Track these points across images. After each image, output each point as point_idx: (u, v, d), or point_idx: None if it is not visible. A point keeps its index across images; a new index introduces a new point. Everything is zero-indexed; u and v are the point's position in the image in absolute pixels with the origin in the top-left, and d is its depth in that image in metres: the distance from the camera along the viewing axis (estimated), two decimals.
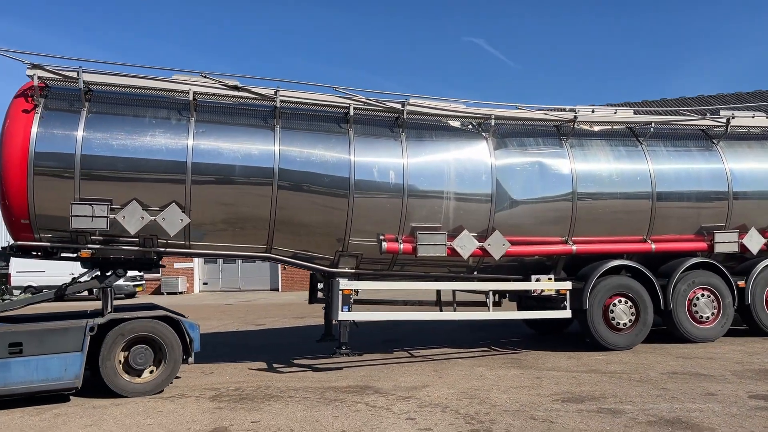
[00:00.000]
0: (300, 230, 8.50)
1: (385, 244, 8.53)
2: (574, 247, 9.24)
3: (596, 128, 9.86)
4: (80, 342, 7.07)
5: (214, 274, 34.09)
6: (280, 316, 16.71)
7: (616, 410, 5.97)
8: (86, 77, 7.69)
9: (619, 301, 9.26)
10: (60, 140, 7.49)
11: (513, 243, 8.95)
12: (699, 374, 7.51)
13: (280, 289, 32.34)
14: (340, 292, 8.28)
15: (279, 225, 8.32)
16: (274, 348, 10.66)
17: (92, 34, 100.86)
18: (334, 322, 8.76)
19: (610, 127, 9.91)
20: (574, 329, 10.65)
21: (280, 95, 8.32)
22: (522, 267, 9.52)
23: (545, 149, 9.36)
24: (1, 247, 8.33)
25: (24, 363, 6.83)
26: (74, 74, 7.64)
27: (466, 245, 8.77)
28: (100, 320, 7.28)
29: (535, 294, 9.34)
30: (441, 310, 9.99)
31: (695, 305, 9.56)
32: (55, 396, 7.18)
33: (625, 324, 9.23)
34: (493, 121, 9.12)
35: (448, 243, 8.67)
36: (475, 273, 9.46)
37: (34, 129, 7.39)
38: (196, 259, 31.91)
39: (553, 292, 9.23)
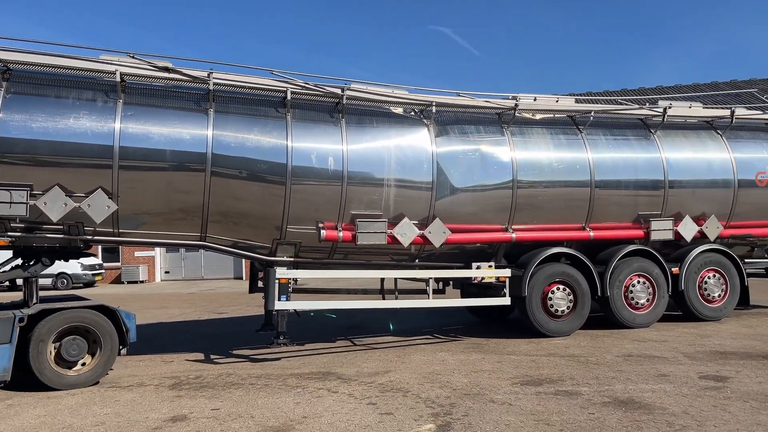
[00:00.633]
0: (235, 218, 8.27)
1: (323, 232, 8.37)
2: (513, 235, 9.27)
3: (538, 116, 9.90)
4: (8, 334, 6.73)
5: (177, 263, 33.26)
6: (244, 305, 16.45)
7: (573, 392, 6.09)
8: (3, 56, 7.27)
9: (558, 289, 9.35)
10: None
11: (453, 231, 8.93)
12: (653, 356, 7.71)
13: (244, 278, 31.68)
14: (277, 281, 8.11)
15: (213, 213, 8.07)
16: (237, 336, 10.47)
17: (36, 10, 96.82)
18: (273, 311, 8.58)
19: (551, 115, 9.96)
20: (517, 315, 10.74)
21: (214, 78, 8.03)
22: (464, 254, 9.50)
23: (486, 137, 9.33)
24: None
25: None
26: None
27: (407, 233, 8.69)
28: (29, 311, 6.96)
29: (476, 281, 9.34)
30: (384, 299, 9.93)
31: (631, 292, 9.73)
32: (6, 385, 6.91)
33: (564, 311, 9.33)
34: (434, 108, 9.04)
35: (389, 231, 8.58)
36: (417, 261, 9.41)
37: None
38: (157, 248, 31.20)
39: (493, 280, 9.26)
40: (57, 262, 8.16)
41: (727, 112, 10.72)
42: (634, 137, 10.18)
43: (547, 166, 9.47)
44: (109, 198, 7.45)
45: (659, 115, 10.29)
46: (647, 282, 9.84)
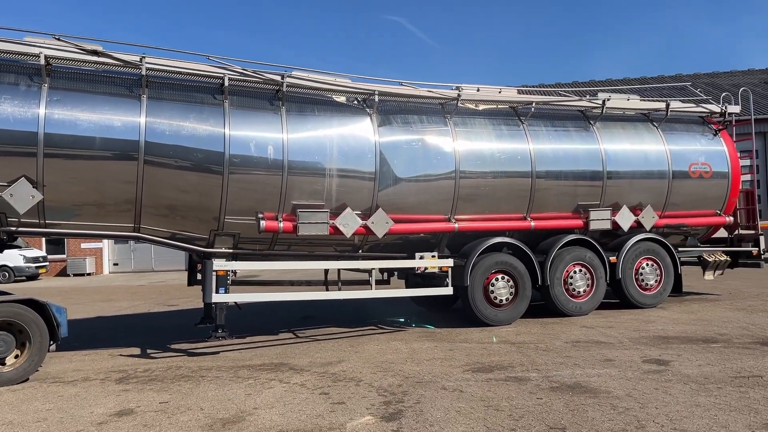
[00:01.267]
0: (170, 209, 8.01)
1: (263, 223, 8.20)
2: (456, 225, 9.31)
3: (481, 107, 9.94)
4: None
5: (125, 255, 32.09)
6: (195, 297, 16.01)
7: (522, 378, 6.18)
8: None
9: (500, 278, 9.44)
10: None
11: (397, 221, 8.89)
12: (599, 342, 7.89)
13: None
14: (214, 273, 7.90)
15: (147, 203, 7.79)
16: (188, 329, 10.17)
17: None
18: (211, 304, 8.37)
19: (494, 106, 10.01)
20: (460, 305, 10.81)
21: (147, 62, 7.73)
22: (407, 245, 9.47)
23: (429, 127, 9.31)
24: None
25: None
26: None
27: (349, 223, 8.61)
28: None
29: (420, 272, 9.34)
30: (327, 290, 9.83)
31: (571, 280, 9.92)
32: None
33: (505, 300, 9.43)
34: (377, 98, 8.95)
35: (331, 221, 8.48)
36: (361, 251, 9.34)
37: None
38: (105, 240, 30.06)
39: (436, 270, 9.27)
40: None
41: (663, 105, 11.00)
42: (574, 129, 10.34)
43: (489, 157, 9.52)
44: (33, 187, 7.10)
45: (599, 107, 10.47)
46: (586, 271, 10.04)
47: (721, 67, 58.05)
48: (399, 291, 9.89)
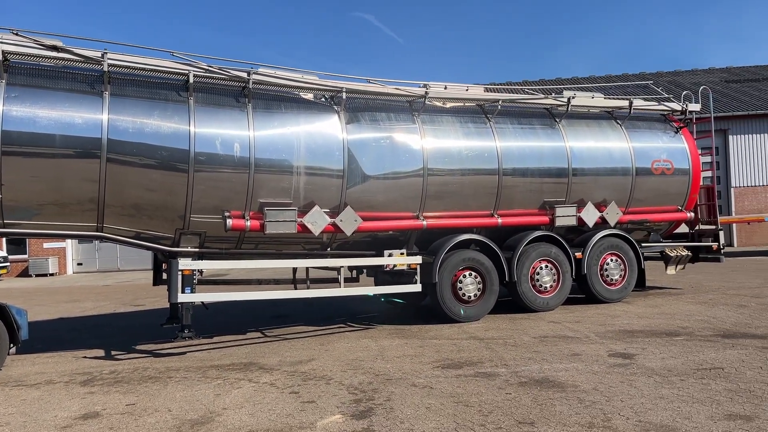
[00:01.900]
0: (134, 208, 7.86)
1: (230, 221, 8.10)
2: (424, 222, 9.34)
3: (449, 105, 9.98)
4: None
5: (90, 254, 31.34)
6: (161, 296, 15.73)
7: (491, 373, 6.24)
8: None
9: (468, 275, 9.51)
10: None
11: (365, 219, 8.88)
12: (567, 337, 7.99)
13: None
14: (180, 272, 7.79)
15: (110, 202, 7.63)
16: (155, 329, 9.99)
17: None
18: (177, 304, 8.24)
19: (462, 104, 10.07)
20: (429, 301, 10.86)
21: (109, 58, 7.56)
22: (376, 242, 9.48)
23: (397, 125, 9.32)
24: None
25: None
26: None
27: (318, 221, 8.56)
28: None
29: (389, 269, 9.35)
30: (296, 288, 9.77)
31: (537, 276, 10.04)
32: None
33: (473, 296, 9.50)
34: (344, 95, 8.92)
35: (299, 219, 8.42)
36: (329, 250, 9.30)
37: None
38: (68, 239, 29.32)
39: (405, 267, 9.29)
40: None
41: (626, 103, 11.20)
42: (540, 126, 10.47)
43: (456, 154, 9.58)
44: None
45: (564, 105, 10.61)
46: (552, 267, 10.18)
47: (683, 66, 59.58)
48: (368, 288, 9.89)
